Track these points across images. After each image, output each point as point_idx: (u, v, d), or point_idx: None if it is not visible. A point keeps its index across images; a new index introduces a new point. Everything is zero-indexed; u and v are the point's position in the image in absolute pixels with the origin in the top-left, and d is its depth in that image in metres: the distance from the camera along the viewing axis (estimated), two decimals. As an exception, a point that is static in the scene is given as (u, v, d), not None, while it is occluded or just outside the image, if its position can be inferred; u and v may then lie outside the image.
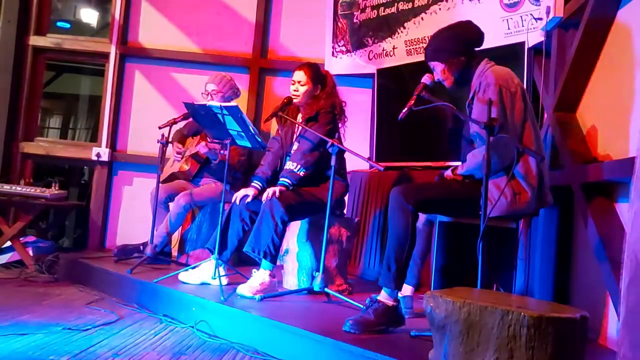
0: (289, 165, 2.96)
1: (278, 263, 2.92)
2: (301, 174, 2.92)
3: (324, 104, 3.03)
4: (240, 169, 3.77)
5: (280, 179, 2.93)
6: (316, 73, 3.10)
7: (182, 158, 3.78)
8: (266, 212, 2.81)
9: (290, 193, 2.90)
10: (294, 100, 3.11)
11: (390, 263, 2.21)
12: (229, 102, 3.54)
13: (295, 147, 3.06)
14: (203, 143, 3.57)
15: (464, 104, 2.40)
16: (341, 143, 2.88)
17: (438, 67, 2.38)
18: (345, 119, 3.13)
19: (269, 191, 2.86)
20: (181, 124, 3.79)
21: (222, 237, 2.96)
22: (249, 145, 2.93)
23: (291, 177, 2.91)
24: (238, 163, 3.71)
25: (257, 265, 2.90)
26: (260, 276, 2.81)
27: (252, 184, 3.07)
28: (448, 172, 2.45)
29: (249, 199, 2.97)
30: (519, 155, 2.15)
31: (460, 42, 2.36)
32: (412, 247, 2.25)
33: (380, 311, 2.19)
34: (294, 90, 3.08)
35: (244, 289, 2.75)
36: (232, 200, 3.02)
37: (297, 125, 3.08)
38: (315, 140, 2.94)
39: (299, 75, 3.07)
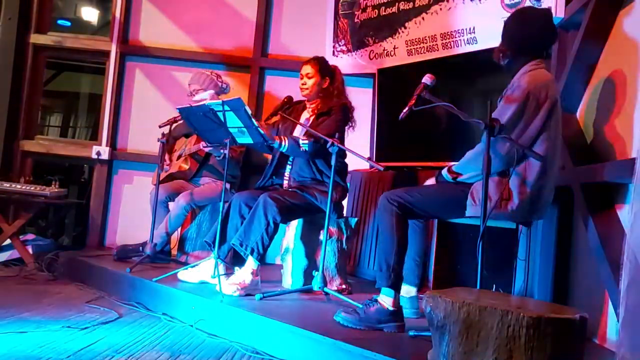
0: (299, 138, 2.94)
1: (279, 262, 2.91)
2: (303, 148, 2.91)
3: (337, 102, 3.03)
4: (241, 162, 3.78)
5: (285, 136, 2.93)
6: (323, 65, 3.10)
7: (171, 163, 3.81)
8: (259, 210, 2.79)
9: (286, 194, 2.90)
10: (303, 94, 3.09)
11: (381, 264, 2.25)
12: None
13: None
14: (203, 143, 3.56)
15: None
16: (342, 143, 2.88)
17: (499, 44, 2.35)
18: (354, 124, 3.11)
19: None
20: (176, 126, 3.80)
21: (221, 232, 2.94)
22: (250, 141, 2.90)
23: (295, 142, 2.90)
24: (240, 154, 3.72)
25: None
26: (242, 274, 2.78)
27: None
28: (444, 171, 2.44)
29: None
30: (520, 159, 2.12)
31: (514, 35, 2.29)
32: (404, 249, 2.26)
33: (373, 309, 2.22)
34: (302, 84, 3.07)
35: (224, 286, 2.70)
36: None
37: (298, 124, 3.06)
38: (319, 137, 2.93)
39: (306, 69, 3.07)
